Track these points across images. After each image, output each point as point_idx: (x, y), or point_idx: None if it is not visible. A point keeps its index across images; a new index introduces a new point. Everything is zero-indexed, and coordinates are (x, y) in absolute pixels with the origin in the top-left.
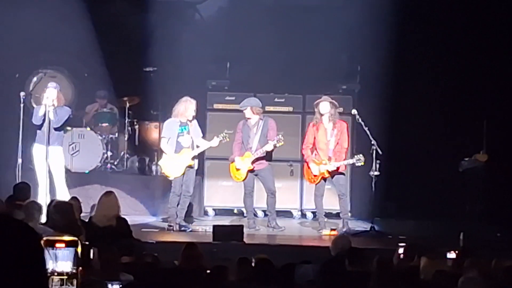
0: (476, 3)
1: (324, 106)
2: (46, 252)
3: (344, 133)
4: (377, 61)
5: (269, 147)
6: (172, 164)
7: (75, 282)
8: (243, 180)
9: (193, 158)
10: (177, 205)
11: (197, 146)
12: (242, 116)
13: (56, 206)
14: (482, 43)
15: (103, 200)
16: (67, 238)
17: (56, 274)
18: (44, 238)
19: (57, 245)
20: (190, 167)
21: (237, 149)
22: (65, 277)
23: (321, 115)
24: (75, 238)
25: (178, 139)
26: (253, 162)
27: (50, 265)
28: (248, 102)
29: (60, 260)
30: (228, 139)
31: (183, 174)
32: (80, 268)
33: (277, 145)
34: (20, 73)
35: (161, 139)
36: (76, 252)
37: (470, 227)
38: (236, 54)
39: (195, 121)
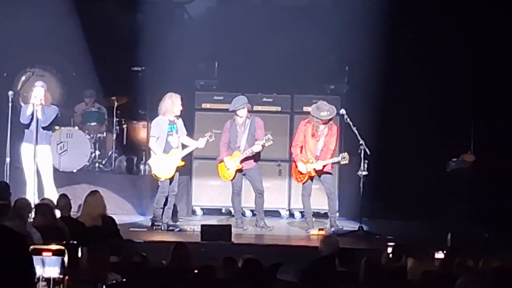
0: (463, 5)
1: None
2: (33, 258)
3: (334, 135)
4: (365, 62)
5: (257, 148)
6: (163, 165)
7: (61, 287)
8: (232, 179)
9: (182, 158)
10: (164, 205)
11: (183, 145)
12: (230, 115)
13: (36, 208)
14: (470, 45)
15: (88, 200)
16: (54, 247)
17: (43, 279)
18: (32, 247)
19: (44, 253)
20: (179, 168)
21: (225, 149)
22: (52, 282)
23: (324, 123)
24: (62, 247)
25: (167, 139)
26: (241, 162)
27: (38, 271)
28: (242, 101)
29: (47, 266)
30: (214, 138)
31: (173, 176)
32: (67, 277)
33: (266, 144)
34: (8, 72)
35: (150, 138)
36: (63, 259)
37: (458, 227)
38: (225, 53)
39: (180, 120)
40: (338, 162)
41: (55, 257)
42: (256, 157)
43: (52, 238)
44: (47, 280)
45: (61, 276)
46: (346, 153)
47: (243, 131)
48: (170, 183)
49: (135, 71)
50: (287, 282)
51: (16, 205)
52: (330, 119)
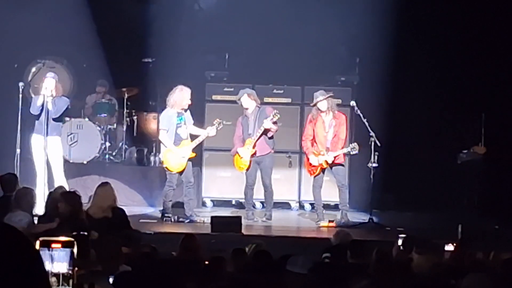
0: None
1: (322, 104)
2: (42, 253)
3: (343, 125)
4: (376, 53)
5: (267, 124)
6: (175, 158)
7: (71, 282)
8: (247, 168)
9: (193, 150)
10: (172, 199)
11: (191, 135)
12: (240, 108)
13: (63, 195)
14: (481, 36)
15: (98, 191)
16: (63, 238)
17: (52, 275)
18: (40, 239)
19: (53, 245)
20: (190, 159)
21: (238, 141)
22: (61, 277)
23: (321, 111)
24: (71, 239)
25: (177, 131)
26: (254, 146)
27: (47, 266)
28: (244, 91)
29: (56, 261)
30: (222, 125)
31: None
32: (76, 268)
33: (274, 119)
34: (19, 63)
35: (160, 131)
36: (72, 252)
37: (468, 219)
38: (235, 45)
39: (188, 110)
40: (348, 153)
41: (64, 252)
42: (270, 142)
43: (73, 228)
44: (57, 275)
45: (70, 272)
46: (355, 143)
47: (253, 120)
48: (181, 174)
49: (145, 62)
50: (297, 273)
51: (16, 195)
52: (327, 99)
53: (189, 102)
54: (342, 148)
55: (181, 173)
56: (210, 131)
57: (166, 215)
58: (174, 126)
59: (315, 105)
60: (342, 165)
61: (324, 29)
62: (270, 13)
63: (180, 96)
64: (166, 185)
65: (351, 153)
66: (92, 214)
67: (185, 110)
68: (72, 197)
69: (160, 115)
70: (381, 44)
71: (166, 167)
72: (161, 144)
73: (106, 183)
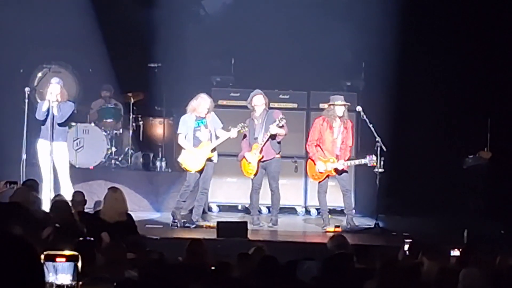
0: (481, 1)
1: (340, 109)
2: (46, 264)
3: (350, 131)
4: (381, 58)
5: (273, 129)
6: (192, 157)
7: None
8: (255, 174)
9: (213, 150)
10: (186, 200)
11: (217, 137)
12: (246, 112)
13: (52, 204)
14: (487, 41)
15: (111, 196)
16: (67, 252)
17: (55, 286)
18: (45, 253)
19: (58, 259)
20: (210, 159)
21: (245, 145)
22: None
23: (338, 116)
24: (75, 253)
25: (195, 134)
26: (261, 151)
27: (50, 278)
28: (257, 91)
29: (60, 273)
30: (246, 129)
31: (203, 168)
32: (81, 283)
33: (281, 124)
34: (24, 68)
35: (178, 136)
36: (76, 265)
37: (474, 224)
38: (241, 50)
39: (212, 113)
40: (366, 164)
41: (68, 263)
42: (276, 147)
43: (69, 234)
44: (60, 287)
45: (74, 284)
46: (374, 155)
47: (261, 123)
48: (200, 176)
49: (151, 67)
50: (304, 278)
51: (19, 190)
52: (346, 108)
53: (206, 111)
54: (350, 156)
55: (200, 173)
56: (232, 133)
57: (173, 220)
58: (191, 130)
59: (332, 105)
60: (346, 171)
61: (329, 34)
62: (275, 18)
63: (197, 103)
64: (183, 185)
65: (368, 164)
66: (103, 218)
67: (207, 114)
68: (59, 204)
69: (179, 119)
70: (387, 49)
71: (185, 168)
72: (182, 149)
73: (117, 188)
